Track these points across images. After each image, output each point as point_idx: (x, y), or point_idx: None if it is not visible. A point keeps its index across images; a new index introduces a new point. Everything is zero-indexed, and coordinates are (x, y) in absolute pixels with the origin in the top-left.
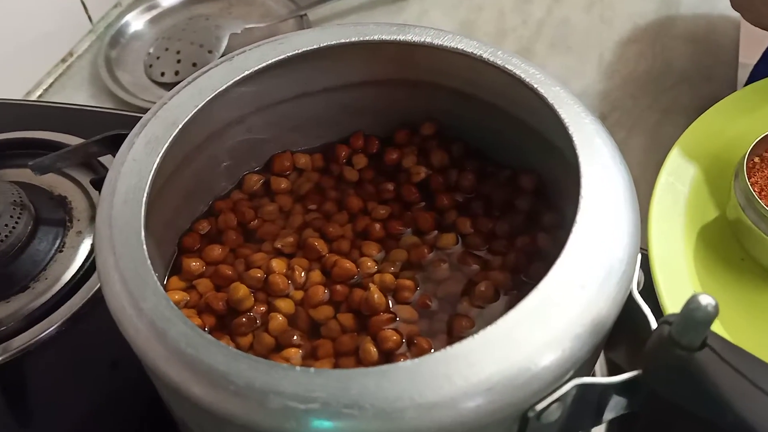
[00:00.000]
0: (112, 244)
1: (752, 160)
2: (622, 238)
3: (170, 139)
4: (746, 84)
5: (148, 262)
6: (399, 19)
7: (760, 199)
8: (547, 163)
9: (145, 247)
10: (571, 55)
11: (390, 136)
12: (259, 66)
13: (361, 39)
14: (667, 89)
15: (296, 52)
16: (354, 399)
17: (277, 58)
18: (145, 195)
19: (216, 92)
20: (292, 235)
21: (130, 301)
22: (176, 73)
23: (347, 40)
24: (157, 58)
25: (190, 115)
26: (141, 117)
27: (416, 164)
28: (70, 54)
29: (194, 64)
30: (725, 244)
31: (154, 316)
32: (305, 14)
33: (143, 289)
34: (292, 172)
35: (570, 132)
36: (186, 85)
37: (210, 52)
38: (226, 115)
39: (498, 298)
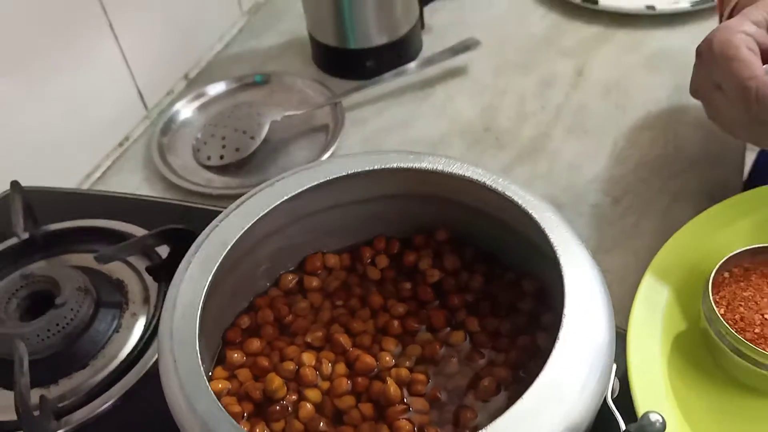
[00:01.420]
0: (173, 352)
1: (722, 275)
2: (598, 354)
3: (221, 259)
4: (746, 180)
5: (202, 369)
6: (426, 104)
7: (727, 312)
8: (547, 271)
9: (199, 356)
10: (587, 139)
11: (409, 238)
12: (297, 191)
13: (383, 167)
14: (677, 174)
15: (328, 178)
16: None
17: (311, 184)
18: (199, 311)
19: (259, 216)
20: (321, 329)
21: (186, 403)
22: (221, 157)
23: (371, 168)
24: (204, 143)
25: (237, 237)
26: (190, 206)
27: (431, 267)
28: (126, 138)
29: (237, 149)
30: (699, 352)
31: (206, 417)
32: (339, 101)
33: (197, 393)
34: (322, 271)
35: (558, 254)
36: (234, 209)
37: (252, 138)
38: (267, 228)
39: (499, 391)
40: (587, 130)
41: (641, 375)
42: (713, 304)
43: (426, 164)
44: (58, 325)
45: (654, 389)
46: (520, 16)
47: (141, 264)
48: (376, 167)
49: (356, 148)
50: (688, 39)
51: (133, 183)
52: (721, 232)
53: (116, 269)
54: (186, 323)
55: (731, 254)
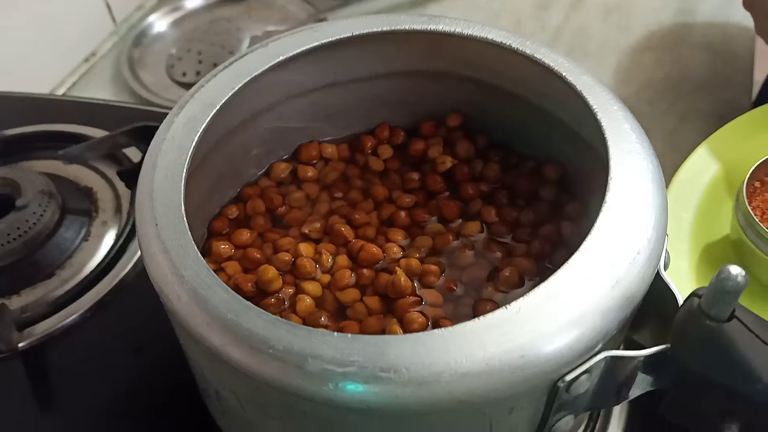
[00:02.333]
0: (154, 216)
1: (753, 184)
2: (650, 218)
3: (208, 119)
4: (755, 101)
5: (188, 232)
6: None
7: (762, 220)
8: (572, 153)
9: (185, 218)
10: (588, 61)
11: (415, 127)
12: (294, 52)
13: (393, 28)
14: (683, 96)
15: (330, 39)
16: (390, 363)
17: (311, 45)
18: (185, 171)
19: (252, 76)
20: (318, 221)
21: (172, 269)
22: (197, 73)
23: (379, 29)
24: (179, 59)
25: (227, 97)
26: (165, 112)
27: (441, 154)
28: (93, 54)
29: (215, 65)
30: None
31: (195, 283)
32: (324, 18)
33: (184, 258)
34: (318, 161)
35: (599, 118)
36: (223, 69)
37: (231, 53)
38: (258, 102)
39: (523, 284)
40: (588, 52)
41: None
42: (750, 210)
43: (443, 26)
44: (19, 229)
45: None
46: None
47: (111, 171)
48: (386, 28)
49: None
50: None
51: (100, 99)
52: (743, 144)
53: (84, 176)
54: (169, 184)
55: (760, 162)
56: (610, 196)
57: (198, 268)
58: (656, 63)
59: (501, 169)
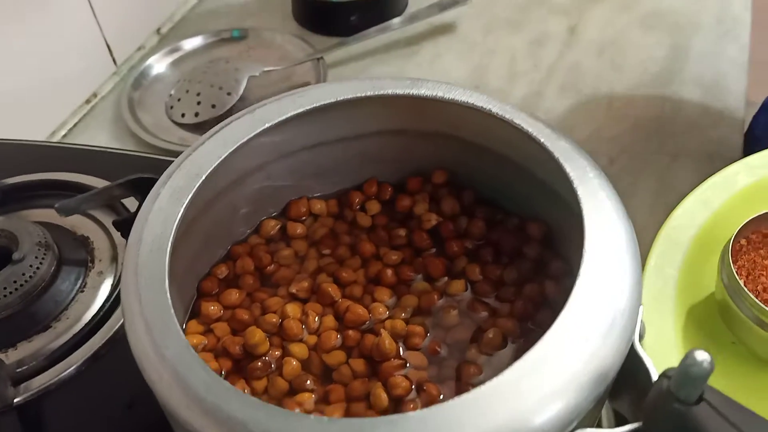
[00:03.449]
0: (138, 291)
1: (738, 242)
2: (625, 290)
3: (194, 190)
4: (746, 133)
5: (172, 310)
6: (412, 62)
7: (747, 283)
8: (555, 212)
9: (169, 295)
10: (582, 99)
11: (403, 183)
12: (280, 119)
13: (376, 93)
14: (676, 133)
15: (314, 105)
16: None
17: (296, 111)
18: (170, 245)
19: (238, 144)
20: (306, 279)
21: (154, 347)
22: (196, 114)
23: (363, 94)
24: (178, 99)
25: (213, 167)
26: (161, 159)
27: (427, 211)
28: (94, 95)
29: (213, 106)
30: (715, 326)
31: (176, 363)
32: (321, 57)
33: (166, 337)
34: (307, 217)
35: (575, 186)
36: (210, 137)
37: (229, 94)
38: (246, 164)
39: (506, 345)
40: (581, 89)
41: (654, 353)
42: (735, 273)
43: (425, 91)
44: (15, 282)
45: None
46: None
47: (108, 219)
48: (368, 93)
49: None
50: None
51: (101, 141)
52: (729, 197)
53: (81, 224)
54: (154, 258)
55: (747, 220)
56: (583, 269)
57: (180, 348)
58: (649, 100)
59: (486, 225)
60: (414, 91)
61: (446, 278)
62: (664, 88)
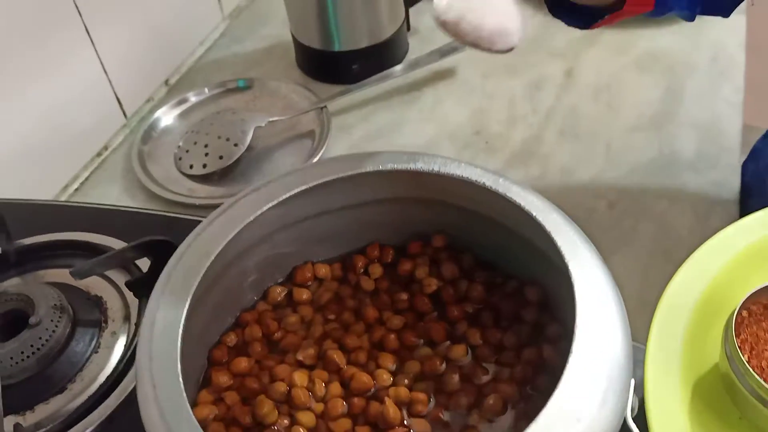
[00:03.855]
0: (152, 376)
1: (740, 314)
2: (614, 368)
3: (204, 271)
4: (742, 182)
5: (184, 395)
6: (414, 108)
7: (751, 358)
8: (550, 276)
9: (181, 380)
10: (580, 142)
11: (403, 245)
12: (285, 196)
13: (375, 169)
14: (673, 176)
15: (318, 182)
16: None
17: (300, 188)
18: (181, 329)
19: (246, 222)
20: (312, 346)
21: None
22: (204, 166)
23: (363, 171)
24: (187, 151)
25: (222, 246)
26: (171, 217)
27: (428, 275)
28: (105, 148)
29: (221, 157)
30: (722, 400)
31: None
32: (325, 106)
33: (179, 422)
34: (312, 282)
35: (566, 261)
36: (218, 216)
37: (236, 145)
38: (253, 236)
39: (506, 410)
40: (579, 133)
41: (662, 429)
42: (738, 350)
43: (421, 165)
44: (32, 346)
45: None
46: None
47: (120, 279)
48: (368, 170)
49: (343, 153)
50: (677, 40)
51: (112, 194)
52: (730, 260)
53: (94, 285)
54: (167, 343)
55: (749, 293)
56: (575, 347)
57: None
58: (646, 143)
59: (485, 289)
60: (411, 166)
61: (448, 342)
62: (661, 130)
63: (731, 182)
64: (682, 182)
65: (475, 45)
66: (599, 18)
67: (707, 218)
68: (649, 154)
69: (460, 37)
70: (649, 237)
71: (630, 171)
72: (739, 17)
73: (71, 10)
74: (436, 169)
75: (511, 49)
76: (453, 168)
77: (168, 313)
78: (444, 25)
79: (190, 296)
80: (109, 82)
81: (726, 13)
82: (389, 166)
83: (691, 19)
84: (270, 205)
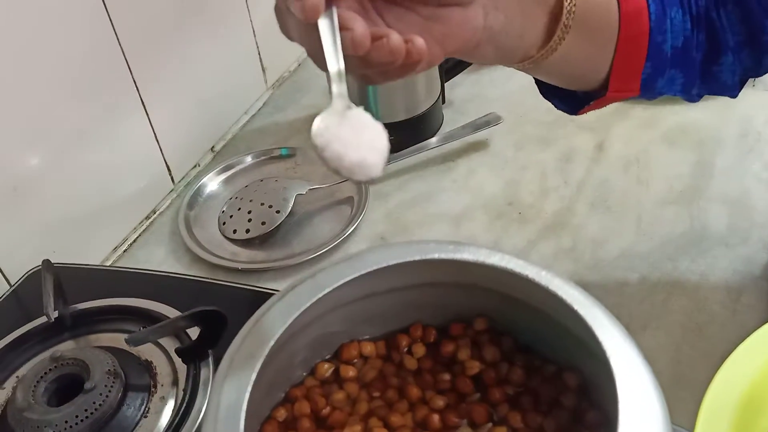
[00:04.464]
0: None
1: None
2: None
3: (264, 356)
4: None
5: None
6: (448, 178)
7: None
8: (589, 364)
9: None
10: (610, 214)
11: (445, 325)
12: (338, 283)
13: (422, 258)
14: (704, 251)
15: (368, 270)
16: None
17: (352, 276)
18: (244, 410)
19: (301, 310)
20: (359, 422)
21: None
22: (247, 231)
23: (411, 259)
24: (230, 216)
25: (280, 333)
26: (218, 284)
27: (470, 358)
28: (154, 211)
29: (263, 223)
30: None
31: None
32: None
33: None
34: (358, 359)
35: (608, 355)
36: (276, 302)
37: (278, 212)
38: (305, 320)
39: None
40: (610, 205)
41: None
42: None
43: (467, 255)
44: (86, 410)
45: None
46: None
47: (169, 344)
48: (416, 258)
49: (380, 221)
50: (706, 114)
51: (158, 256)
52: None
53: (145, 350)
54: (231, 424)
55: None
56: None
57: None
58: (676, 217)
59: (525, 373)
60: (457, 256)
61: (490, 424)
62: (691, 204)
63: (762, 258)
64: (713, 257)
65: (337, 172)
66: (586, 104)
67: (739, 294)
68: (680, 227)
69: (324, 162)
70: (682, 311)
71: (661, 245)
72: (765, 94)
73: (128, 79)
74: (480, 259)
75: (371, 180)
76: (497, 259)
77: (231, 395)
78: (314, 148)
79: (252, 380)
80: (160, 148)
81: (732, 93)
82: (435, 256)
83: (695, 100)
84: (324, 292)
